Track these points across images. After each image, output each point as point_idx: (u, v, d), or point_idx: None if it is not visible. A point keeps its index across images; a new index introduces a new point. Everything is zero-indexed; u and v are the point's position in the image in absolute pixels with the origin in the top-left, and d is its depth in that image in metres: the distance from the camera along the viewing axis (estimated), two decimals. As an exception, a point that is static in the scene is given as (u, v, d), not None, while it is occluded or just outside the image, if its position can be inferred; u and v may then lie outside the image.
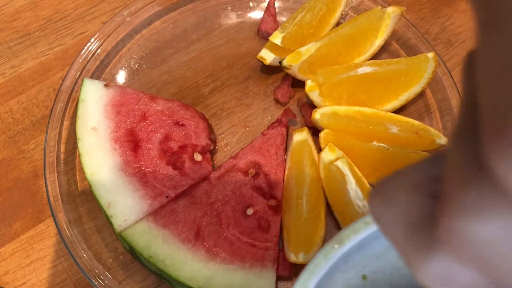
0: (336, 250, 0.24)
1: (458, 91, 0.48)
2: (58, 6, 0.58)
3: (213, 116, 0.51)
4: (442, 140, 0.45)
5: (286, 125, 0.49)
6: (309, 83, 0.48)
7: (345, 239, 0.24)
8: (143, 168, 0.44)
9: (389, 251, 0.27)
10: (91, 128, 0.46)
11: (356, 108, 0.46)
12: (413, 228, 0.18)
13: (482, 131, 0.14)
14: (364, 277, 0.27)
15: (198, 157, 0.46)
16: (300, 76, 0.49)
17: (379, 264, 0.27)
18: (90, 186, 0.43)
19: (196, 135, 0.47)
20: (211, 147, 0.48)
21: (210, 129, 0.49)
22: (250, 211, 0.44)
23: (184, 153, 0.46)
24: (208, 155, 0.47)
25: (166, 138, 0.46)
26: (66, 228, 0.44)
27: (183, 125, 0.47)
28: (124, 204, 0.42)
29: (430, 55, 0.48)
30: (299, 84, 0.50)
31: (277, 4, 0.55)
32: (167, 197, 0.43)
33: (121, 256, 0.45)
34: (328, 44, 0.49)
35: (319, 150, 0.46)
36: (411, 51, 0.51)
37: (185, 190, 0.44)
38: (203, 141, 0.47)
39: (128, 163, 0.44)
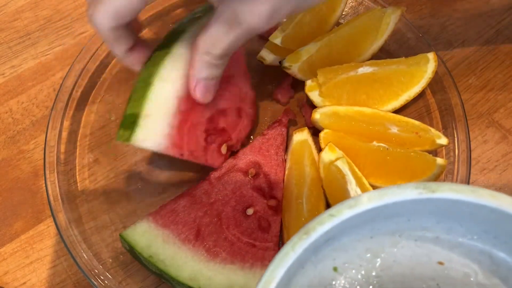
0: (303, 241, 0.25)
1: (458, 91, 0.48)
2: (58, 6, 0.58)
3: (213, 116, 0.51)
4: (442, 140, 0.45)
5: (286, 125, 0.49)
6: (309, 83, 0.48)
7: (311, 230, 0.26)
8: (187, 120, 0.43)
9: (357, 243, 0.29)
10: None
11: (356, 108, 0.46)
12: None
13: None
14: (335, 269, 0.28)
15: (224, 149, 0.46)
16: (300, 76, 0.49)
17: (348, 256, 0.29)
18: (145, 92, 0.41)
19: (239, 131, 0.47)
20: (237, 149, 0.48)
21: (250, 134, 0.49)
22: (250, 211, 0.44)
23: (219, 136, 0.46)
24: (228, 154, 0.47)
25: (221, 112, 0.46)
26: (66, 228, 0.44)
27: (240, 116, 0.47)
28: (154, 125, 0.41)
29: (430, 55, 0.48)
30: (299, 84, 0.50)
31: (277, 4, 0.55)
32: (182, 154, 0.43)
33: (121, 256, 0.45)
34: (328, 44, 0.49)
35: (319, 150, 0.46)
36: (411, 51, 0.51)
37: (185, 190, 0.44)
38: (238, 139, 0.47)
39: (180, 110, 0.43)
